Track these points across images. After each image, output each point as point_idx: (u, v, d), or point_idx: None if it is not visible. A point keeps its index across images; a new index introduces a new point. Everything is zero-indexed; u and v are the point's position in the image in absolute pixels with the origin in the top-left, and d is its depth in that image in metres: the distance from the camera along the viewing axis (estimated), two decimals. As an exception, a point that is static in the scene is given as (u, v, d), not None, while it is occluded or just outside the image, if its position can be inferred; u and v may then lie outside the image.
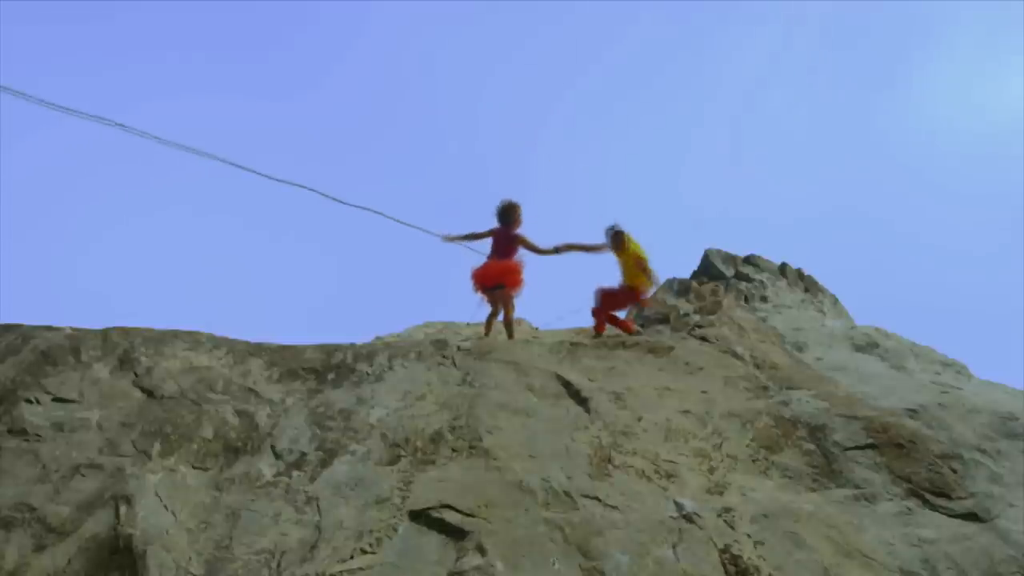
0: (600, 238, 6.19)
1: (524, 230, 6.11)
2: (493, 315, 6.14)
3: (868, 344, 5.91)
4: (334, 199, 6.16)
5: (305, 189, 5.95)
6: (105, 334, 4.39)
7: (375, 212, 6.42)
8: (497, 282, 5.89)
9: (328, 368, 4.42)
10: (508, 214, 6.05)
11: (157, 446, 3.48)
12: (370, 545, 2.79)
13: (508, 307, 6.02)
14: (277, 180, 5.76)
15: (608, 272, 6.28)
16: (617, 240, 6.07)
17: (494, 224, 6.07)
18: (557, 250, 6.17)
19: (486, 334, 6.12)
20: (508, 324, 6.08)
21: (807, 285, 8.40)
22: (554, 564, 2.63)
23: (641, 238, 6.10)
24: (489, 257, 6.01)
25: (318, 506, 3.09)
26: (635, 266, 5.97)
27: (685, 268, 9.20)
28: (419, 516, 2.93)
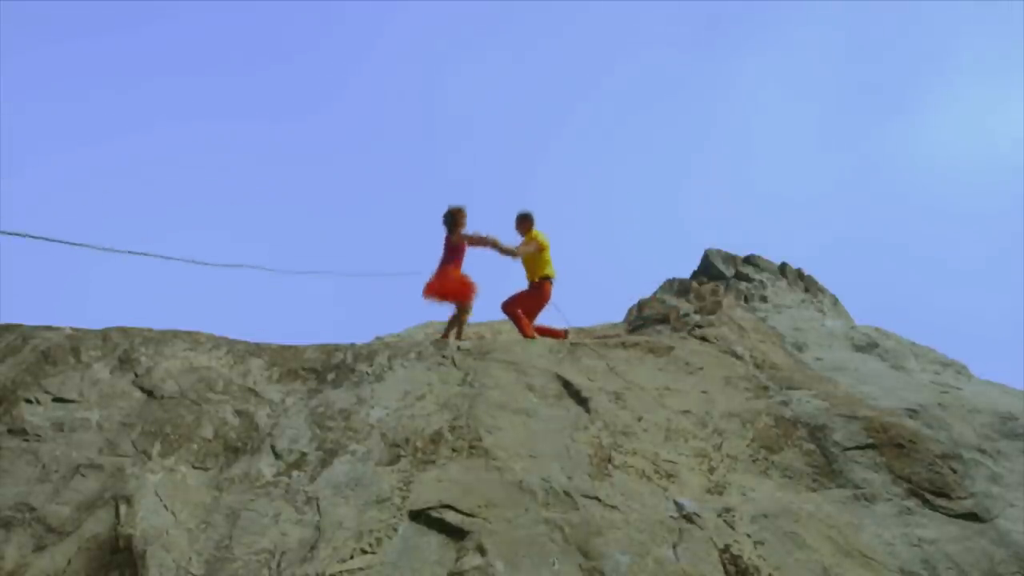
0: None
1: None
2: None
3: (868, 344, 5.91)
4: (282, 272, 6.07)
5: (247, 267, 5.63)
6: (105, 334, 4.38)
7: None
8: (446, 299, 5.91)
9: (328, 368, 4.42)
10: (446, 220, 6.08)
11: (157, 446, 3.48)
12: (370, 545, 2.79)
13: (461, 315, 6.01)
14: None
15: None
16: (523, 224, 6.15)
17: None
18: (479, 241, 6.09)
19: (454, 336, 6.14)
20: (453, 326, 6.05)
21: (807, 285, 8.40)
22: (554, 564, 2.63)
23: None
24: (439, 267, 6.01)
25: (318, 506, 3.09)
26: (535, 252, 6.00)
27: (685, 268, 9.21)
28: (419, 516, 2.93)
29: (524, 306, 6.10)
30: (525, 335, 5.97)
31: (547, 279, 6.11)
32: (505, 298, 6.11)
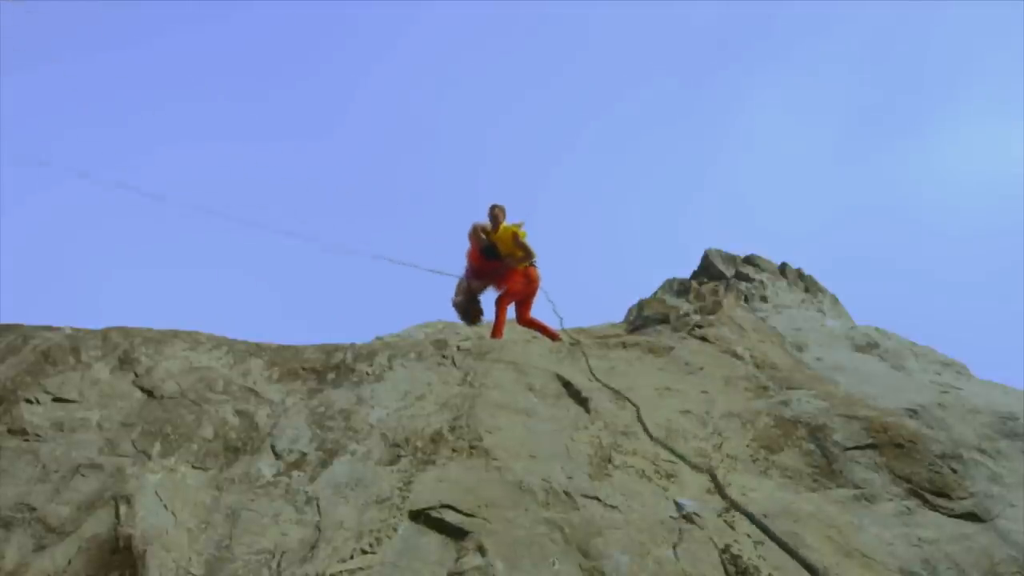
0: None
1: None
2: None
3: (868, 344, 5.91)
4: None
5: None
6: (105, 334, 4.38)
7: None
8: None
9: (328, 368, 4.42)
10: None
11: (157, 446, 3.48)
12: (370, 545, 2.79)
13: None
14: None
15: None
16: (493, 220, 6.04)
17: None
18: None
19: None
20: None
21: (807, 285, 8.39)
22: (554, 564, 2.63)
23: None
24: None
25: (318, 506, 3.09)
26: (513, 245, 5.97)
27: (685, 268, 9.21)
28: (419, 516, 2.93)
29: (517, 295, 6.13)
30: (494, 334, 6.00)
31: (530, 263, 6.10)
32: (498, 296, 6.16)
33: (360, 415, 3.85)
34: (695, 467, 3.19)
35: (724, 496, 2.92)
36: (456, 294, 6.15)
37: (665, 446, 3.55)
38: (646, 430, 3.70)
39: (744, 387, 4.56)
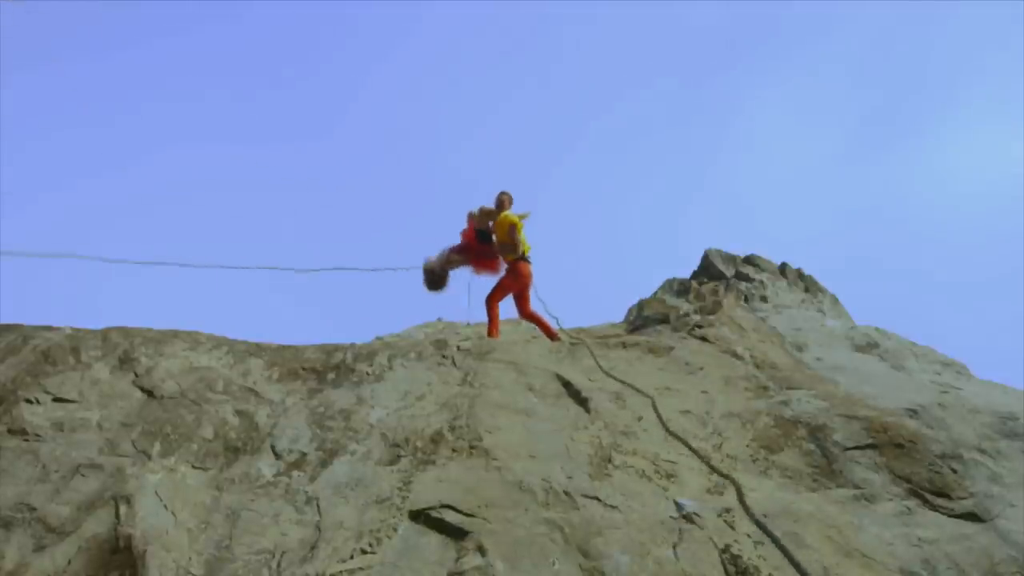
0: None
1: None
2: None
3: (868, 344, 5.91)
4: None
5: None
6: (105, 334, 4.38)
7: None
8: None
9: (328, 368, 4.42)
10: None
11: (157, 446, 3.48)
12: (370, 545, 2.79)
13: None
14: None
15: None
16: (497, 206, 6.07)
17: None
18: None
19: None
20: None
21: (807, 285, 8.39)
22: (554, 564, 2.63)
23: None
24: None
25: (318, 506, 3.09)
26: (506, 235, 5.98)
27: (685, 268, 9.21)
28: (419, 516, 2.93)
29: (507, 291, 6.14)
30: (490, 333, 6.00)
31: (521, 258, 6.09)
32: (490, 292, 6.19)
33: (360, 415, 3.86)
34: (719, 473, 3.24)
35: (745, 508, 2.95)
36: (433, 258, 6.21)
37: (690, 448, 3.59)
38: (662, 421, 3.78)
39: (744, 387, 4.56)
